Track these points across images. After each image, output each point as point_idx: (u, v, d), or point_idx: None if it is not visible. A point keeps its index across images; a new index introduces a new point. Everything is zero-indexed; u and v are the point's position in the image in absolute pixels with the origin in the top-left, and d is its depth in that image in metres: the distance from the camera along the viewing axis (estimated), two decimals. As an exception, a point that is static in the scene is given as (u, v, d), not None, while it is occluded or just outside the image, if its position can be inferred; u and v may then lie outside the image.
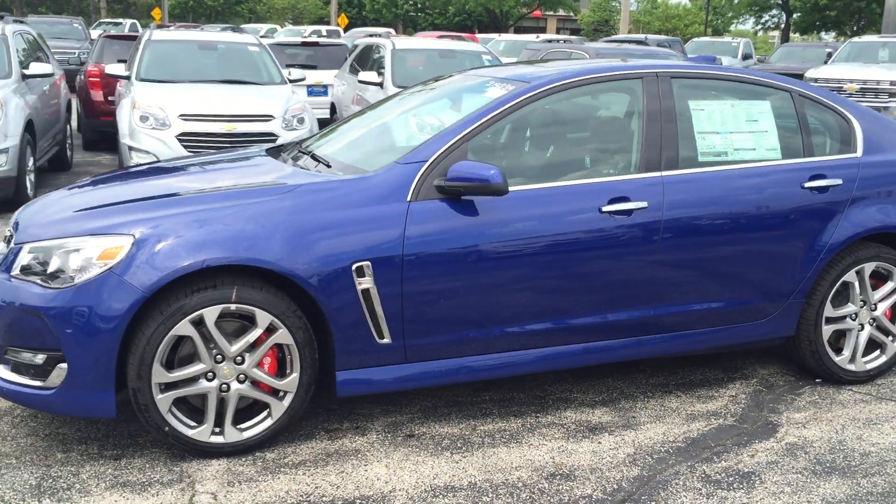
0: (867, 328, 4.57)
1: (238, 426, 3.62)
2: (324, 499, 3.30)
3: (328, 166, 4.08)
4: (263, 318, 3.53)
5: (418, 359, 3.82)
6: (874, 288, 4.55)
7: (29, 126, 8.58)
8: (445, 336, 3.81)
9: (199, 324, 3.46)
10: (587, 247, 3.95)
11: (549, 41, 16.25)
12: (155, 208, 3.65)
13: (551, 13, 67.98)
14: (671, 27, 68.33)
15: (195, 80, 9.41)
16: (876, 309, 4.57)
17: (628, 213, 3.99)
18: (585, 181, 4.06)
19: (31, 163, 8.55)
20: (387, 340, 3.72)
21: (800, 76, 14.53)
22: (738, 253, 4.23)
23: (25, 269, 3.53)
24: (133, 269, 3.39)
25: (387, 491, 3.38)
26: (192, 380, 3.52)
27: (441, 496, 3.34)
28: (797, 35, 57.80)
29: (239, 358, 3.55)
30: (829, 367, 4.53)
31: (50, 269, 3.46)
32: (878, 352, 4.65)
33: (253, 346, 3.56)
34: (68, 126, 11.29)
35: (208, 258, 3.42)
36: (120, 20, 38.24)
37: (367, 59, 11.53)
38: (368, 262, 3.62)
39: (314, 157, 4.25)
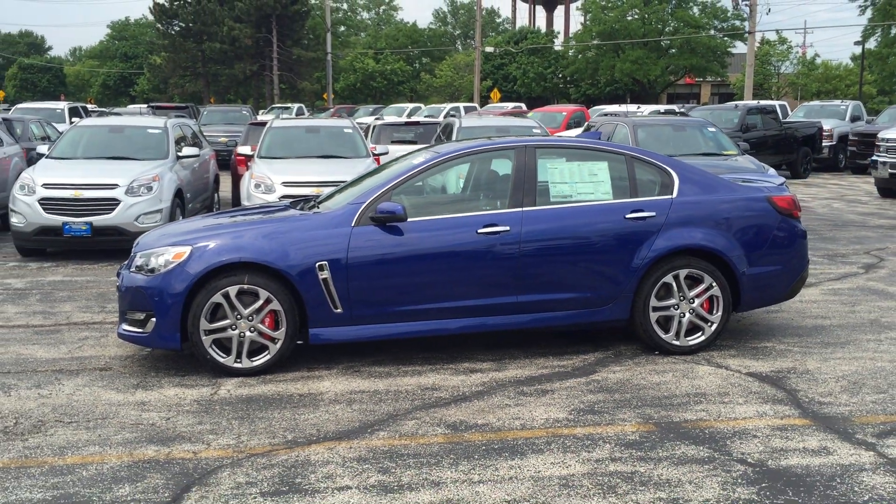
0: (687, 316, 6.63)
1: (251, 359, 6.19)
2: (287, 393, 5.79)
3: (318, 208, 6.68)
4: (263, 294, 6.12)
5: (361, 323, 6.28)
6: (691, 287, 6.62)
7: (179, 193, 11.78)
8: (378, 309, 6.26)
9: (226, 296, 6.09)
10: (469, 255, 6.31)
11: (605, 114, 18.49)
12: (207, 230, 6.36)
13: (701, 79, 69.03)
14: (831, 88, 67.57)
15: (301, 155, 12.38)
16: (693, 302, 6.63)
17: (496, 233, 6.33)
18: (470, 214, 6.45)
19: (180, 220, 11.69)
20: (340, 310, 6.21)
21: None
22: (579, 260, 6.45)
23: (137, 267, 6.29)
24: (190, 264, 6.08)
25: (324, 390, 5.83)
26: (223, 329, 6.13)
27: (353, 394, 5.76)
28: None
29: (250, 317, 6.14)
30: (658, 342, 6.62)
31: (148, 266, 6.20)
32: (699, 333, 6.68)
33: (258, 311, 6.14)
34: (216, 194, 14.69)
35: (230, 258, 6.07)
36: (289, 104, 43.07)
37: (446, 134, 14.23)
38: (326, 262, 6.15)
39: (316, 205, 6.84)
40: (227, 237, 6.24)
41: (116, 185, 11.00)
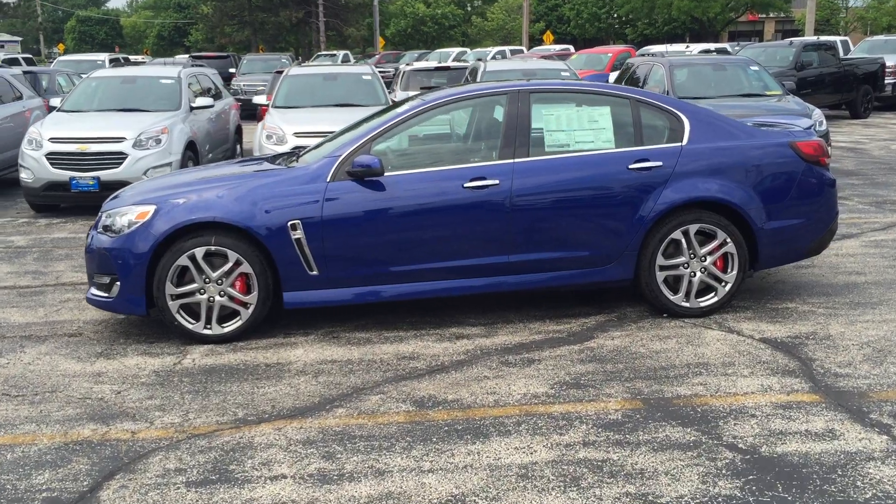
0: (698, 275, 6.03)
1: (222, 325, 5.80)
2: (254, 363, 5.39)
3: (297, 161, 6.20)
4: (232, 256, 5.69)
5: (339, 286, 5.83)
6: (702, 244, 6.01)
7: (191, 146, 11.42)
8: (357, 271, 5.80)
9: (193, 259, 5.68)
10: (454, 212, 5.79)
11: (643, 55, 17.50)
12: (177, 188, 5.94)
13: (764, 16, 66.38)
14: (903, 20, 64.34)
15: (317, 104, 11.88)
16: (705, 260, 6.02)
17: (484, 188, 5.79)
18: (456, 167, 5.91)
19: (190, 173, 11.36)
20: (315, 272, 5.77)
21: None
22: (577, 216, 5.89)
23: (104, 227, 5.91)
24: (154, 224, 5.68)
25: (294, 360, 5.42)
26: (191, 294, 5.74)
27: (324, 364, 5.34)
28: None
29: (219, 281, 5.73)
30: (665, 303, 6.05)
31: (114, 226, 5.82)
32: (712, 294, 6.09)
33: (228, 274, 5.72)
34: (238, 146, 14.34)
35: (195, 217, 5.65)
36: (335, 52, 42.52)
37: (473, 78, 13.58)
38: (299, 221, 5.69)
39: (297, 158, 6.36)
40: (194, 195, 5.82)
41: (123, 138, 10.68)
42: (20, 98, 13.77)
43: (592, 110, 6.09)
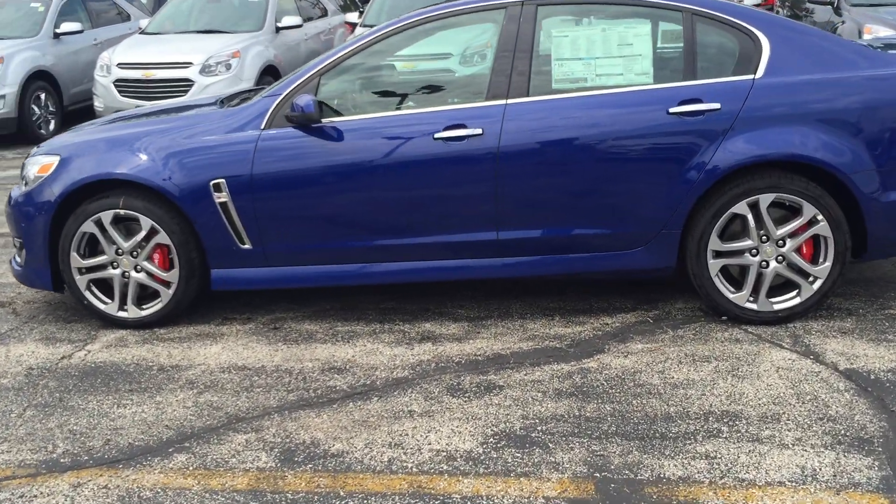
0: (773, 265, 4.22)
1: (141, 307, 4.66)
2: (149, 363, 4.22)
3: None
4: (146, 222, 4.50)
5: (279, 263, 4.52)
6: (780, 222, 4.18)
7: (271, 70, 10.33)
8: (300, 245, 4.45)
9: (99, 224, 4.54)
10: (422, 170, 4.29)
11: None
12: (87, 135, 4.78)
13: None
14: None
15: (188, 31, 10.78)
16: (784, 245, 4.19)
17: (461, 138, 4.23)
18: (427, 110, 4.37)
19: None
20: (248, 246, 4.48)
21: None
22: (589, 180, 4.22)
23: (22, 177, 4.87)
24: (55, 180, 4.56)
25: (198, 362, 4.20)
26: (102, 267, 4.62)
27: (228, 372, 4.08)
28: None
29: (134, 252, 4.57)
30: (720, 303, 4.29)
31: (27, 178, 4.76)
32: (793, 293, 4.26)
33: (143, 245, 4.55)
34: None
35: (95, 173, 4.48)
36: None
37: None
38: (223, 180, 4.40)
39: (245, 98, 5.02)
40: (103, 144, 4.64)
41: (190, 63, 9.75)
42: (128, 19, 13.19)
43: (625, 29, 4.30)
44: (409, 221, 4.36)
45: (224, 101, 5.01)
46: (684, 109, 4.12)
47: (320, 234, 4.43)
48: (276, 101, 4.42)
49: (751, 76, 4.15)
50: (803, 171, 4.15)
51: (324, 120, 4.37)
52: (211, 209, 4.43)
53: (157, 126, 4.69)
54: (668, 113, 4.13)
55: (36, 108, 10.64)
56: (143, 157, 4.49)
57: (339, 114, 4.46)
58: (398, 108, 4.46)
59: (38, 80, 10.70)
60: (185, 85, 9.66)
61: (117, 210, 4.51)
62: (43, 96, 10.75)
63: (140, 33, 11.03)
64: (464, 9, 4.48)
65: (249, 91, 5.52)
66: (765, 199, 4.13)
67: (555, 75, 4.28)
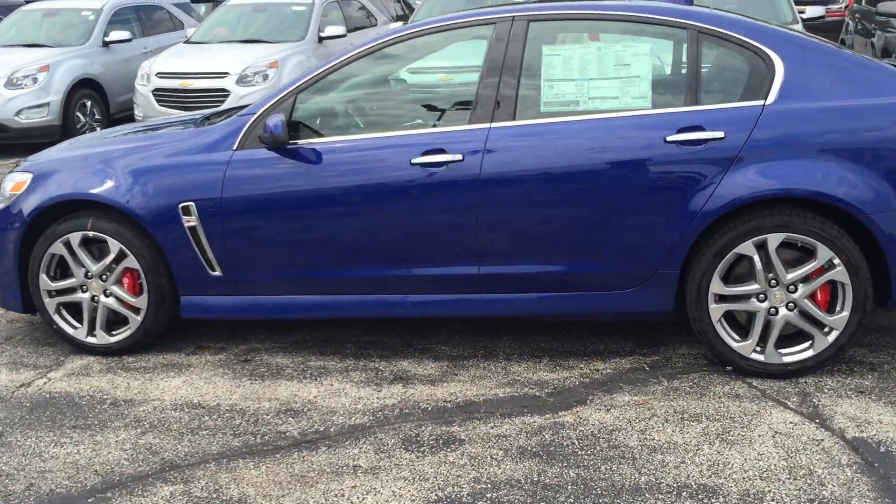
0: (783, 313, 3.76)
1: (110, 333, 4.44)
2: (105, 396, 3.99)
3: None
4: (114, 245, 4.29)
5: (251, 292, 4.25)
6: (791, 264, 3.72)
7: (308, 80, 10.15)
8: (273, 274, 4.18)
9: (68, 246, 4.34)
10: (398, 198, 3.97)
11: None
12: (65, 151, 4.60)
13: None
14: None
15: (231, 40, 10.64)
16: (796, 291, 3.73)
17: (439, 164, 3.90)
18: (405, 132, 4.05)
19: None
20: (218, 273, 4.23)
21: None
22: (578, 212, 3.84)
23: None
24: (27, 199, 4.39)
25: (154, 397, 3.95)
26: (71, 290, 4.42)
27: (180, 410, 3.82)
28: None
29: (103, 276, 4.36)
30: (723, 352, 3.85)
31: (3, 193, 4.59)
32: (806, 344, 3.80)
33: (111, 269, 4.33)
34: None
35: (62, 193, 4.29)
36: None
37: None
38: (192, 203, 4.16)
39: (226, 116, 4.75)
40: (78, 162, 4.45)
41: (227, 73, 9.63)
42: (181, 28, 13.22)
43: (624, 48, 3.90)
44: (383, 252, 4.04)
45: (207, 119, 4.77)
46: (683, 138, 3.71)
47: (293, 262, 4.15)
48: (250, 121, 4.16)
49: (761, 102, 3.71)
50: (818, 209, 3.69)
51: (300, 141, 4.09)
52: (180, 233, 4.19)
53: (131, 144, 4.48)
54: (666, 141, 3.72)
55: (81, 116, 10.67)
56: (113, 176, 4.28)
57: (319, 134, 4.18)
58: (376, 130, 4.15)
59: (85, 87, 10.74)
60: (221, 95, 9.54)
61: (85, 231, 4.31)
62: (89, 104, 10.78)
63: (184, 42, 10.98)
64: (452, 24, 4.14)
65: (239, 108, 5.28)
66: (774, 240, 3.68)
67: (544, 97, 3.91)
